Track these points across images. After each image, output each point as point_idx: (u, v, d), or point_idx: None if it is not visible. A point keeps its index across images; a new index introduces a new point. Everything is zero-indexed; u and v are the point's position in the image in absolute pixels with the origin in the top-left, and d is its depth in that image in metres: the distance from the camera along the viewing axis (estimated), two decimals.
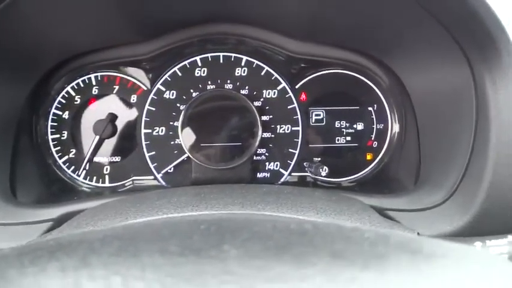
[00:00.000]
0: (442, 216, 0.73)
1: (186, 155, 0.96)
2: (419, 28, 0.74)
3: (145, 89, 1.00)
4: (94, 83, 1.00)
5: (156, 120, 0.99)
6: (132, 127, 1.00)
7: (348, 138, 1.02)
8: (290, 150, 1.00)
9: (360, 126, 1.02)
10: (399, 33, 0.80)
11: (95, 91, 1.00)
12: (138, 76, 1.00)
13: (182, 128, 0.96)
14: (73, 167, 0.99)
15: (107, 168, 1.00)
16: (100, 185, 1.00)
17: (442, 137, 0.83)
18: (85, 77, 1.00)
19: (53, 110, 0.99)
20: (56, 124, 0.99)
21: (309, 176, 1.01)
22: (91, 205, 0.75)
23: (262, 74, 1.00)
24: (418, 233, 0.68)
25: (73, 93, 0.99)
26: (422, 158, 0.88)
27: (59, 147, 0.99)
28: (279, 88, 1.00)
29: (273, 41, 0.99)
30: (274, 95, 1.00)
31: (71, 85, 0.99)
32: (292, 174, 1.01)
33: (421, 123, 0.90)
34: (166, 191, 0.71)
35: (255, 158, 1.00)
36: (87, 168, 0.99)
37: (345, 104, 1.02)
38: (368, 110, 1.02)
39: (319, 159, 1.01)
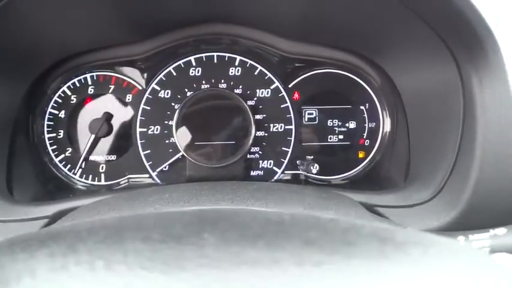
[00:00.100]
0: (429, 212, 0.74)
1: (180, 154, 0.98)
2: (408, 28, 0.76)
3: (140, 88, 1.01)
4: (90, 82, 1.01)
5: (151, 119, 1.00)
6: (127, 126, 1.02)
7: (341, 136, 1.04)
8: (283, 148, 1.02)
9: (352, 125, 1.04)
10: (388, 33, 0.82)
11: (90, 91, 1.01)
12: (134, 76, 1.02)
13: (177, 127, 0.97)
14: (69, 166, 1.01)
15: (102, 167, 1.02)
16: (96, 183, 1.01)
17: (431, 135, 0.84)
18: (81, 77, 1.01)
19: (49, 110, 1.00)
20: (52, 123, 1.00)
21: (302, 174, 1.02)
22: (86, 202, 0.76)
23: (256, 73, 1.01)
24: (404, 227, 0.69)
25: (69, 93, 1.01)
26: (412, 156, 0.90)
27: (55, 146, 1.00)
28: (272, 87, 1.01)
29: (266, 41, 1.01)
30: (267, 94, 1.02)
31: (67, 85, 1.01)
32: (286, 172, 1.02)
33: (411, 122, 0.92)
34: (159, 188, 0.73)
35: (248, 156, 1.01)
36: (83, 166, 1.01)
37: (337, 103, 1.04)
38: (360, 109, 1.03)
39: (312, 157, 1.03)
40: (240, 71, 1.01)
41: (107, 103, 1.02)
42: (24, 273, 0.21)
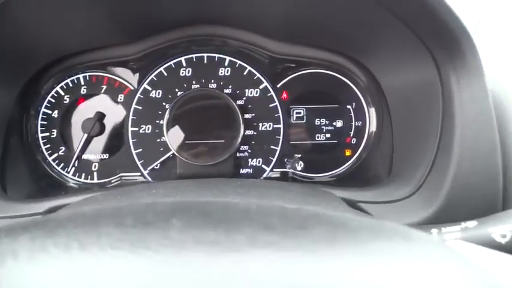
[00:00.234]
0: (409, 208, 0.77)
1: (171, 152, 1.00)
2: (389, 29, 0.78)
3: (132, 88, 1.04)
4: (82, 83, 1.04)
5: (142, 119, 1.03)
6: (119, 125, 1.04)
7: (328, 135, 1.06)
8: (272, 147, 1.04)
9: (339, 124, 1.06)
10: (371, 34, 0.85)
11: (83, 91, 1.04)
12: (125, 76, 1.04)
13: (167, 126, 0.99)
14: (62, 164, 1.03)
15: (95, 165, 1.04)
16: (88, 181, 1.03)
17: (413, 134, 0.87)
18: (74, 77, 1.03)
19: (43, 109, 1.02)
20: (45, 123, 1.02)
21: (290, 171, 1.05)
22: (78, 199, 0.78)
23: (245, 73, 1.04)
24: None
25: (62, 93, 1.03)
26: (395, 153, 0.92)
27: (48, 145, 1.03)
28: (261, 87, 1.04)
29: (255, 42, 1.03)
30: (256, 93, 1.04)
31: (60, 85, 1.03)
32: (274, 170, 1.05)
33: (394, 121, 0.95)
34: (148, 185, 0.75)
35: (238, 154, 1.04)
36: (76, 165, 1.03)
37: (324, 102, 1.06)
38: (347, 108, 1.06)
39: (300, 155, 1.05)
40: (229, 71, 1.04)
41: (100, 103, 1.04)
42: (7, 255, 0.23)
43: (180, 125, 1.00)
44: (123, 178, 1.04)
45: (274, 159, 1.04)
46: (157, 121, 1.02)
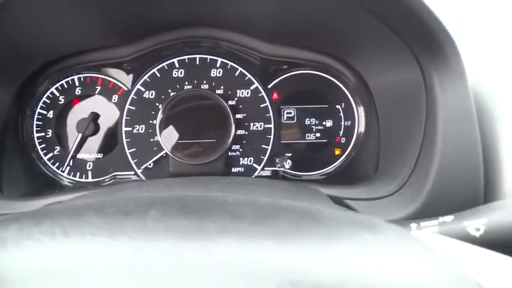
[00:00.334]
0: (393, 205, 0.79)
1: (164, 152, 1.02)
2: (374, 31, 0.81)
3: (126, 89, 1.06)
4: (77, 84, 1.06)
5: (136, 119, 1.05)
6: (113, 125, 1.06)
7: (318, 134, 1.08)
8: (263, 146, 1.06)
9: (329, 123, 1.08)
10: (358, 36, 0.87)
11: (78, 91, 1.06)
12: (119, 77, 1.06)
13: (160, 126, 1.02)
14: (57, 164, 1.05)
15: (89, 165, 1.06)
16: (83, 180, 1.05)
17: (398, 132, 0.89)
18: (69, 78, 1.05)
19: (38, 110, 1.04)
20: (41, 123, 1.05)
21: (281, 170, 1.07)
22: (71, 197, 0.80)
23: (236, 74, 1.06)
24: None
25: (57, 94, 1.05)
26: (381, 152, 0.95)
27: (44, 145, 1.05)
28: (252, 88, 1.06)
29: (246, 44, 1.05)
30: (247, 94, 1.06)
31: (55, 86, 1.05)
32: (265, 168, 1.07)
33: (381, 120, 0.97)
34: (140, 183, 0.77)
35: (229, 153, 1.06)
36: (70, 164, 1.05)
37: (314, 103, 1.08)
38: (336, 108, 1.08)
39: (291, 154, 1.07)
40: (221, 73, 1.06)
41: (94, 103, 1.06)
42: None
43: (172, 124, 1.02)
44: (117, 177, 1.06)
45: (265, 158, 1.06)
46: (150, 121, 1.04)
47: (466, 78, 0.76)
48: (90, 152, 1.06)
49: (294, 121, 1.08)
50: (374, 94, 1.00)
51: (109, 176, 1.06)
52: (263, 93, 1.06)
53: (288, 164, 1.01)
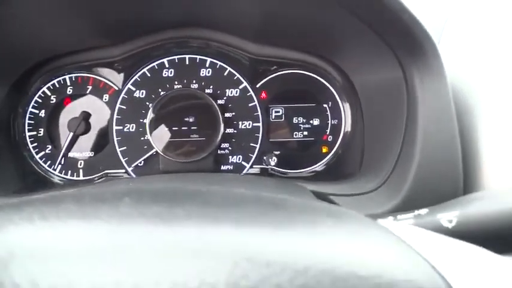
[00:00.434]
0: (376, 200, 0.82)
1: (154, 150, 1.04)
2: (357, 32, 0.83)
3: (116, 89, 1.08)
4: (69, 83, 1.07)
5: (126, 118, 1.07)
6: (104, 124, 1.08)
7: (305, 133, 1.11)
8: (251, 144, 1.08)
9: (316, 122, 1.11)
10: (342, 36, 0.89)
11: (69, 91, 1.08)
12: (110, 77, 1.08)
13: (150, 125, 1.04)
14: (49, 162, 1.07)
15: (81, 163, 1.08)
16: (74, 178, 1.07)
17: (381, 130, 0.92)
18: (60, 78, 1.07)
19: (30, 109, 1.06)
20: (32, 122, 1.06)
21: (269, 168, 1.09)
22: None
23: (225, 74, 1.08)
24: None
25: (49, 93, 1.07)
26: (366, 149, 0.97)
27: (35, 144, 1.06)
28: (240, 87, 1.08)
29: (235, 44, 1.07)
30: (236, 93, 1.08)
31: (47, 85, 1.07)
32: (254, 166, 1.09)
33: (366, 118, 0.99)
34: (129, 179, 0.79)
35: (219, 152, 1.08)
36: (62, 162, 1.07)
37: (302, 102, 1.11)
38: (323, 107, 1.11)
39: (279, 152, 1.09)
40: (210, 72, 1.08)
41: (85, 103, 1.08)
42: None
43: (162, 123, 1.04)
44: (108, 175, 1.07)
45: (254, 156, 1.08)
46: (140, 120, 1.06)
47: (445, 78, 0.78)
48: (81, 151, 1.08)
49: (282, 120, 1.11)
50: (359, 93, 1.02)
51: (100, 174, 1.07)
52: (251, 92, 1.08)
53: (273, 160, 1.03)
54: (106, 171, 1.07)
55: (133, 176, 1.06)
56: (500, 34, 0.85)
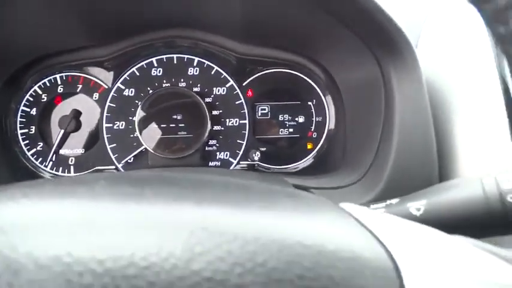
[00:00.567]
0: (356, 192, 0.85)
1: (143, 147, 1.07)
2: (335, 31, 0.86)
3: (106, 87, 1.11)
4: (59, 82, 1.10)
5: (116, 116, 1.10)
6: (95, 122, 1.11)
7: (291, 129, 1.14)
8: (238, 141, 1.11)
9: (301, 119, 1.14)
10: (322, 35, 0.93)
11: (60, 90, 1.10)
12: (100, 76, 1.11)
13: (139, 123, 1.06)
14: (41, 159, 1.10)
15: (72, 160, 1.10)
16: (65, 174, 1.10)
17: (362, 126, 0.95)
18: (51, 77, 1.10)
19: (22, 107, 1.09)
20: (24, 120, 1.09)
21: (256, 164, 1.12)
22: None
23: (212, 73, 1.11)
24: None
25: (40, 92, 1.10)
26: (347, 144, 1.00)
27: (27, 141, 1.09)
28: (227, 86, 1.11)
29: (222, 44, 1.11)
30: (223, 92, 1.12)
31: (38, 84, 1.10)
32: (241, 162, 1.12)
33: (348, 115, 1.03)
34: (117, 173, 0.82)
35: (207, 148, 1.11)
36: (53, 159, 1.10)
37: (287, 99, 1.14)
38: (308, 105, 1.14)
39: (265, 149, 1.13)
40: (198, 71, 1.11)
41: (76, 101, 1.11)
42: None
43: (151, 121, 1.07)
44: (98, 171, 1.10)
45: (241, 153, 1.11)
46: (130, 118, 1.09)
47: (420, 74, 0.82)
48: (72, 148, 1.11)
49: (268, 117, 1.14)
50: (342, 91, 1.05)
51: (91, 170, 1.10)
52: (238, 90, 1.11)
53: (257, 155, 1.06)
54: (96, 168, 1.10)
55: (123, 172, 1.09)
56: (474, 30, 0.89)
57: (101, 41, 1.09)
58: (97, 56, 1.10)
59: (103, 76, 1.11)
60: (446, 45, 0.94)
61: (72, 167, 1.10)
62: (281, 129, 1.14)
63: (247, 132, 1.11)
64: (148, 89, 1.10)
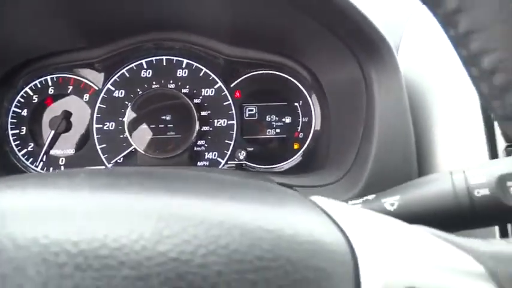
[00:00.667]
0: (338, 190, 0.88)
1: (132, 147, 1.09)
2: (318, 33, 0.89)
3: (96, 88, 1.13)
4: (50, 83, 1.12)
5: (106, 117, 1.12)
6: (85, 123, 1.13)
7: (278, 130, 1.16)
8: (226, 141, 1.14)
9: (287, 120, 1.17)
10: (306, 37, 0.95)
11: (51, 91, 1.12)
12: (90, 77, 1.13)
13: (129, 123, 1.09)
14: (31, 159, 1.11)
15: (62, 160, 1.12)
16: None
17: (345, 125, 0.98)
18: (42, 79, 1.12)
19: (13, 108, 1.11)
20: (15, 121, 1.11)
21: (244, 163, 1.15)
22: None
23: (201, 75, 1.14)
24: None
25: (31, 93, 1.12)
26: (331, 143, 1.03)
27: (18, 142, 1.11)
28: (215, 87, 1.14)
29: (210, 46, 1.13)
30: (211, 93, 1.14)
31: (29, 86, 1.12)
32: (229, 162, 1.14)
33: (333, 115, 1.06)
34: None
35: (195, 148, 1.13)
36: (44, 160, 1.11)
37: (274, 100, 1.16)
38: (294, 106, 1.16)
39: (252, 149, 1.15)
40: (186, 73, 1.14)
41: (66, 102, 1.13)
42: None
43: (140, 122, 1.09)
44: None
45: (229, 153, 1.14)
46: (120, 118, 1.11)
47: (400, 74, 0.85)
48: (63, 148, 1.13)
49: (256, 118, 1.16)
50: (326, 92, 1.08)
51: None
52: (226, 92, 1.14)
53: (242, 155, 1.09)
54: (86, 168, 1.12)
55: None
56: None
57: (92, 43, 1.11)
58: (87, 58, 1.12)
59: (93, 77, 1.13)
60: (427, 45, 0.97)
61: (62, 167, 1.12)
62: (268, 130, 1.17)
63: (235, 133, 1.14)
64: (138, 90, 1.12)
